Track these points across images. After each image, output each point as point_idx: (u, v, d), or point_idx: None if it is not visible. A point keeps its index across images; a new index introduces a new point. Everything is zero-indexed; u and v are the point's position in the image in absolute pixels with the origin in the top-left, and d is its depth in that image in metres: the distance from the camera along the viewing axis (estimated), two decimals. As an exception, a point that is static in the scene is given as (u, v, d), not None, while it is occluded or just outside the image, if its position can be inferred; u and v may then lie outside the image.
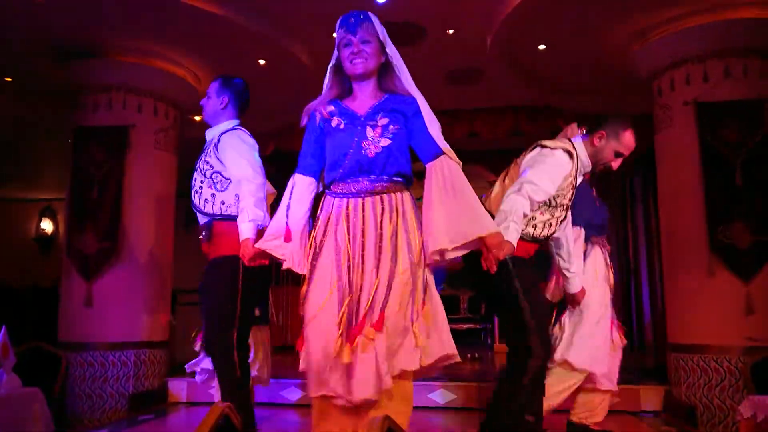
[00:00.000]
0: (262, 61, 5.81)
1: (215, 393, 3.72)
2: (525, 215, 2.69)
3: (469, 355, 7.21)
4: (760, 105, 4.74)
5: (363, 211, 2.31)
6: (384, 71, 2.47)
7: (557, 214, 2.92)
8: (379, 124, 2.36)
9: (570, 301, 3.31)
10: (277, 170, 6.85)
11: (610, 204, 8.54)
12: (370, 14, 2.44)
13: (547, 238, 2.98)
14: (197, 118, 3.13)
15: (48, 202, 10.04)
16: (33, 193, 9.91)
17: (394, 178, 2.36)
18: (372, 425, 2.03)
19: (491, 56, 5.73)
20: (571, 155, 2.89)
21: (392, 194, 2.34)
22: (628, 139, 3.02)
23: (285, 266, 2.42)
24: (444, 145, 2.38)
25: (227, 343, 2.93)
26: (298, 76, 5.98)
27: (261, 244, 2.46)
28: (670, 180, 5.12)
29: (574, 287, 3.23)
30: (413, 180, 2.44)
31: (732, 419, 4.37)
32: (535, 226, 2.88)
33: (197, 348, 3.73)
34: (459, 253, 2.31)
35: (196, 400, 5.22)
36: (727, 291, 4.61)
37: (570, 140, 3.01)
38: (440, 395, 4.89)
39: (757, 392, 3.79)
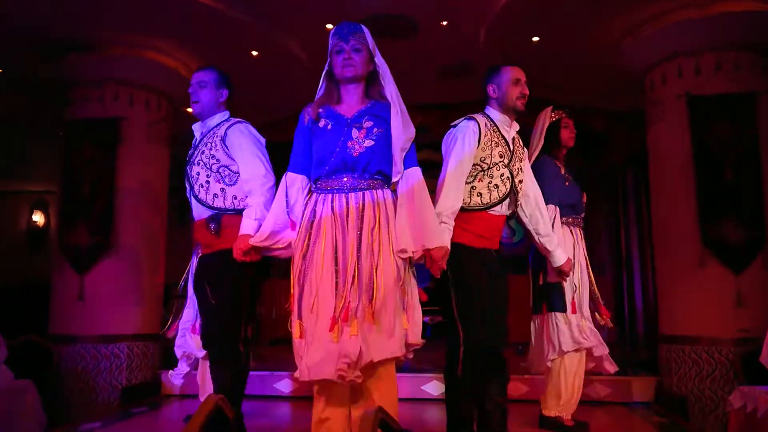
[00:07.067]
0: (254, 53, 5.78)
1: (200, 382, 3.71)
2: (454, 211, 2.83)
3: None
4: (751, 100, 4.77)
5: (347, 205, 2.52)
6: (371, 80, 2.68)
7: (497, 173, 2.96)
8: (364, 126, 2.58)
9: (559, 275, 3.34)
10: (270, 163, 6.83)
11: (602, 198, 8.64)
12: (362, 26, 2.64)
13: (503, 199, 2.98)
14: (190, 110, 3.10)
15: (39, 194, 9.96)
16: (24, 185, 9.83)
17: (375, 176, 2.58)
18: (365, 417, 2.05)
19: (484, 49, 5.73)
20: (473, 118, 2.99)
21: (373, 191, 2.56)
22: (507, 69, 3.09)
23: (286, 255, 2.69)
24: (412, 158, 2.63)
25: (238, 335, 2.93)
26: (291, 68, 5.96)
27: (257, 242, 2.67)
28: (662, 174, 5.14)
29: (558, 260, 3.25)
30: (392, 178, 2.64)
31: (723, 410, 4.40)
32: (480, 194, 2.94)
33: (172, 335, 3.72)
34: (418, 255, 2.54)
35: (190, 393, 5.21)
36: (718, 283, 4.65)
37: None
38: (433, 387, 4.90)
39: (748, 383, 3.83)
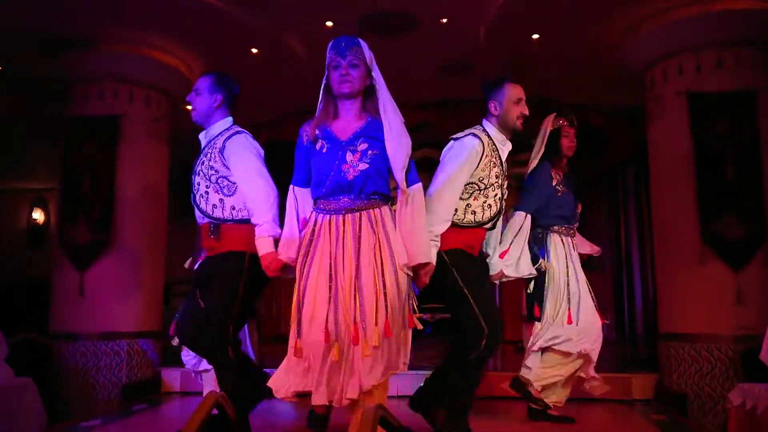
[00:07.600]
0: (254, 50, 5.77)
1: (205, 384, 3.72)
2: (445, 227, 2.90)
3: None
4: (751, 97, 4.76)
5: (344, 226, 2.57)
6: (368, 94, 2.69)
7: (491, 194, 3.04)
8: (359, 149, 2.59)
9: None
10: (271, 161, 6.83)
11: (602, 197, 8.64)
12: (360, 40, 2.65)
13: (493, 218, 3.07)
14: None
15: (39, 192, 9.95)
16: (24, 183, 9.83)
17: (372, 197, 2.61)
18: (366, 414, 2.05)
19: (484, 47, 5.72)
20: (478, 137, 3.02)
21: (371, 210, 2.59)
22: (509, 87, 3.11)
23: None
24: (413, 175, 2.66)
25: (224, 336, 2.90)
26: (291, 66, 5.95)
27: (286, 258, 2.74)
28: (662, 171, 5.14)
29: (492, 269, 3.29)
30: (390, 196, 2.69)
31: (722, 407, 4.40)
32: (474, 212, 3.01)
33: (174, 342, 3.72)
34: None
35: (190, 390, 5.21)
36: (718, 280, 4.65)
37: (479, 125, 3.14)
38: (433, 385, 4.90)
39: (747, 380, 3.84)
